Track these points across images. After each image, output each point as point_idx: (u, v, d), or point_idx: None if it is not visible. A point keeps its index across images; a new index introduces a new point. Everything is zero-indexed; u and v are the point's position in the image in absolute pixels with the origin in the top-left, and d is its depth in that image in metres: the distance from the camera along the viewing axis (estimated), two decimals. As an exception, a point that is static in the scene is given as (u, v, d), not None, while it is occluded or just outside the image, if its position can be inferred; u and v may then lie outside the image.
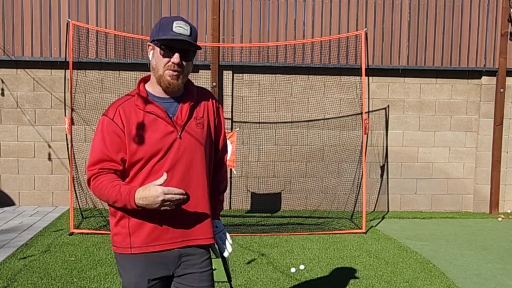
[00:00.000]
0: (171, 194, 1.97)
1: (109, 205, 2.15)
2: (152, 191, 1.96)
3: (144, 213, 2.12)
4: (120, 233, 2.17)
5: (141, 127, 2.09)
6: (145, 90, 2.18)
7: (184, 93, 2.22)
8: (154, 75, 2.14)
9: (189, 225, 2.19)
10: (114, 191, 2.04)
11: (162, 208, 1.99)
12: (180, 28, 2.06)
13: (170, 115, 2.15)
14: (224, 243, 2.39)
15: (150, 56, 2.15)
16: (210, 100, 2.30)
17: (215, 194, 2.39)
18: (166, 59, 2.08)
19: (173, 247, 2.17)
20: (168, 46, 2.07)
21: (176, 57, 2.07)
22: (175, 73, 2.09)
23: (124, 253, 2.17)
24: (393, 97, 7.67)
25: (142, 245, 2.14)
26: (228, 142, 6.23)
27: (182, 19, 2.09)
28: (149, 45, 2.15)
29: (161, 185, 1.98)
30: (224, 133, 2.41)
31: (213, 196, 2.35)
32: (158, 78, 2.12)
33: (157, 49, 2.09)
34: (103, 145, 2.11)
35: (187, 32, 2.08)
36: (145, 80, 2.23)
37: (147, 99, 2.14)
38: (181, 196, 1.99)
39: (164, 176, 2.00)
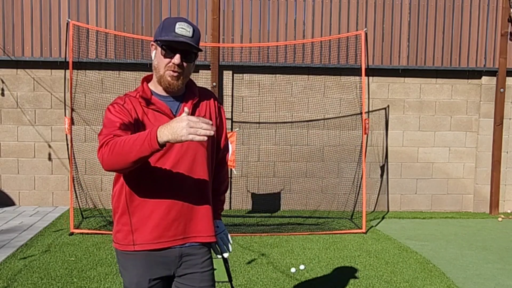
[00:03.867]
0: (195, 120, 1.78)
1: (122, 168, 1.93)
2: (176, 119, 1.80)
3: (147, 210, 2.12)
4: (123, 230, 2.17)
5: (146, 123, 2.10)
6: (149, 88, 2.19)
7: (186, 92, 2.24)
8: (155, 74, 2.16)
9: (191, 222, 2.19)
10: (131, 138, 1.89)
11: (189, 137, 1.76)
12: (182, 29, 2.07)
13: (174, 113, 2.17)
14: (225, 244, 2.40)
15: (152, 56, 2.17)
16: (212, 100, 2.32)
17: (216, 194, 2.41)
18: (167, 60, 2.09)
19: (175, 244, 2.17)
20: (170, 47, 2.08)
21: (177, 58, 2.08)
22: (175, 74, 2.11)
23: (126, 250, 2.17)
24: (393, 97, 7.67)
25: (145, 242, 2.14)
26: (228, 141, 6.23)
27: (186, 21, 2.11)
28: (152, 45, 2.17)
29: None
30: (226, 133, 2.43)
31: (214, 196, 2.36)
32: (159, 78, 2.14)
33: (159, 49, 2.11)
34: (116, 120, 2.03)
35: (189, 34, 2.09)
36: (148, 79, 2.25)
37: (151, 97, 2.16)
38: (207, 124, 1.77)
39: (186, 109, 1.86)
